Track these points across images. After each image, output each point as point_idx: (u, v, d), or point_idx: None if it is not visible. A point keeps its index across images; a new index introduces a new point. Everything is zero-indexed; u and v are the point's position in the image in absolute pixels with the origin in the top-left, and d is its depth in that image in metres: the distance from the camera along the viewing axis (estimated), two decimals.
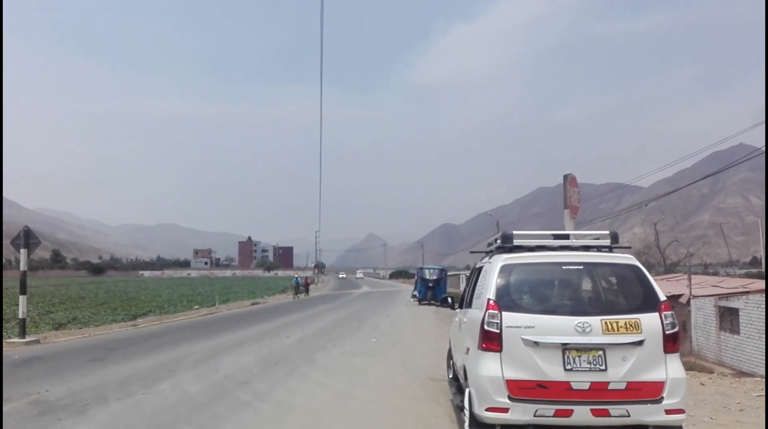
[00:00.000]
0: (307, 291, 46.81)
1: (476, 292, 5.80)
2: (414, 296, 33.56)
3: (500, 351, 4.77)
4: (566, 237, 5.61)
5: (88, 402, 7.05)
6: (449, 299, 7.78)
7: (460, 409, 5.71)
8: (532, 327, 4.73)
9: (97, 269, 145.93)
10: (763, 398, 7.86)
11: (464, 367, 5.59)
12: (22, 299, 14.99)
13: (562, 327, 4.71)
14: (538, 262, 5.27)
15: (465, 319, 6.08)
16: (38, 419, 6.22)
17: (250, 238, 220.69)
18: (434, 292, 30.42)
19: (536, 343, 4.68)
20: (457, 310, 7.29)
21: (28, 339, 14.68)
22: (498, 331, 4.79)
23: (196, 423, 6.03)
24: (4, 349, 13.58)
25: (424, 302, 30.59)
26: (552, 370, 4.64)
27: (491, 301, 4.93)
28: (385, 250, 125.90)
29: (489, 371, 4.76)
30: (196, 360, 10.80)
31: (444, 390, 7.65)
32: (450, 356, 7.67)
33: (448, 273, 35.79)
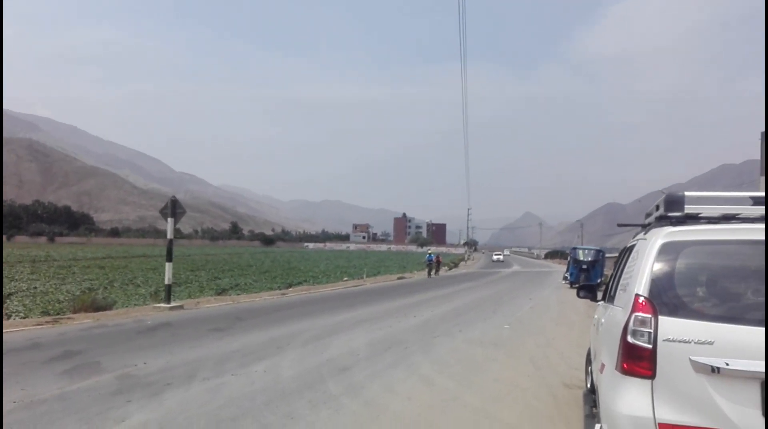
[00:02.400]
0: (437, 270, 41.14)
1: (621, 282, 4.03)
2: (565, 279, 30.69)
3: (652, 377, 3.05)
4: None
5: (171, 381, 6.52)
6: (591, 287, 5.91)
7: None
8: (710, 342, 2.94)
9: (268, 240, 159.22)
10: None
11: (597, 389, 3.92)
12: (168, 266, 15.66)
13: (763, 346, 2.87)
14: (725, 238, 3.33)
15: (603, 320, 4.34)
16: (107, 399, 5.72)
17: (404, 214, 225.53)
18: (588, 275, 27.34)
19: (716, 370, 2.88)
20: (599, 303, 5.50)
21: (172, 304, 15.32)
22: (650, 345, 3.07)
23: (263, 421, 5.09)
24: (151, 312, 14.26)
25: (576, 286, 27.71)
26: (741, 414, 2.84)
27: (641, 299, 3.19)
28: (540, 229, 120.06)
29: (631, 407, 3.05)
30: (311, 337, 10.14)
31: (580, 403, 5.93)
32: (589, 361, 5.92)
33: (608, 255, 32.09)
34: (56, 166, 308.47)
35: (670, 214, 3.64)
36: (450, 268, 55.84)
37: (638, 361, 3.09)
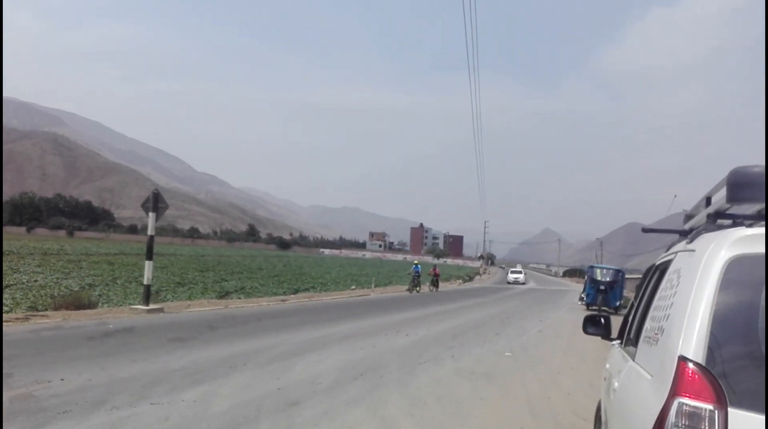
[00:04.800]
0: (436, 285, 35.30)
1: (649, 323, 2.53)
2: (581, 299, 28.89)
3: None
4: None
5: (72, 408, 5.23)
6: (602, 319, 4.40)
7: None
8: None
9: (284, 244, 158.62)
10: None
11: None
12: (147, 265, 14.50)
13: None
14: None
15: (616, 384, 2.88)
16: None
17: (422, 224, 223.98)
18: (606, 296, 25.46)
19: None
20: (614, 344, 4.05)
21: (151, 306, 14.14)
22: None
23: None
24: (126, 314, 13.18)
25: (593, 308, 25.90)
26: None
27: (691, 368, 1.68)
28: (558, 245, 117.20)
29: None
30: (277, 354, 8.82)
31: None
32: (598, 420, 4.47)
33: (628, 276, 30.18)
34: (80, 161, 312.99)
35: (738, 204, 2.05)
36: (464, 282, 54.16)
37: None
